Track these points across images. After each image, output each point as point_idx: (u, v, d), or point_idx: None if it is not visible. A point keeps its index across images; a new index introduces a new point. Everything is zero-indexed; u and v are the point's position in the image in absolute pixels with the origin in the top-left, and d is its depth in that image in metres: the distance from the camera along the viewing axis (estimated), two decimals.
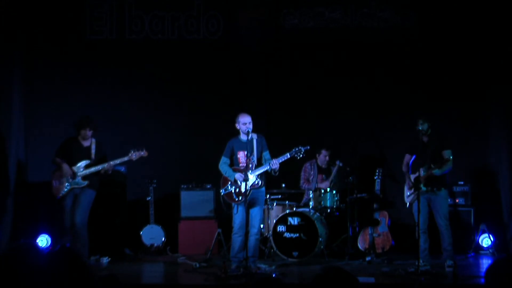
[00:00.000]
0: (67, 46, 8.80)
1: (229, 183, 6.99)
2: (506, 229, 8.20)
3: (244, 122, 6.87)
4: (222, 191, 7.09)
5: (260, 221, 7.09)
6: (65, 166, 7.29)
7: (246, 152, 6.87)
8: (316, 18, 8.88)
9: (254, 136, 6.89)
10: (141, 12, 8.95)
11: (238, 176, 6.88)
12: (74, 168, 7.31)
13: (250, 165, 6.85)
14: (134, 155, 7.35)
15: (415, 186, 7.04)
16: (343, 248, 7.96)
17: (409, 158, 7.34)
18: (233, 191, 6.96)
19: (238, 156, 7.01)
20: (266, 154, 7.01)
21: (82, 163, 7.34)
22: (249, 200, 6.76)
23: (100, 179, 7.45)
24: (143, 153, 7.41)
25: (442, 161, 7.04)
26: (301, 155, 6.89)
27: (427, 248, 7.08)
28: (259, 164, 6.96)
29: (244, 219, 6.80)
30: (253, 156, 6.88)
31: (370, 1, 8.83)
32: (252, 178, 6.86)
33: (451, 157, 6.96)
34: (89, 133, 7.39)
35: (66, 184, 7.29)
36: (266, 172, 6.94)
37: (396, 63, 8.73)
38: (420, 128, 7.05)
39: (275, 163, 6.77)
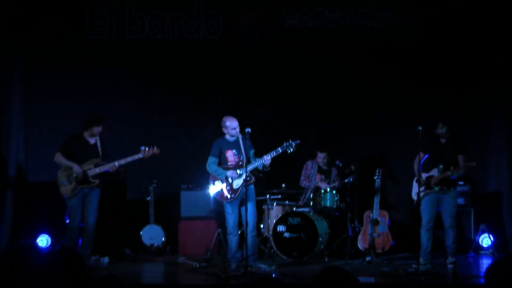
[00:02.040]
0: (67, 46, 8.79)
1: (219, 181, 7.01)
2: (506, 229, 8.21)
3: (233, 127, 6.95)
4: (211, 192, 7.11)
5: (255, 218, 7.07)
6: (76, 166, 7.18)
7: (234, 151, 6.97)
8: (316, 18, 8.88)
9: (240, 136, 6.94)
10: (141, 12, 8.95)
11: (231, 173, 6.91)
12: (85, 167, 7.22)
13: (241, 163, 6.88)
14: (146, 153, 7.26)
15: (427, 185, 7.07)
16: (343, 248, 7.96)
17: (422, 157, 7.33)
18: (225, 188, 6.96)
19: (227, 155, 7.04)
20: (251, 152, 7.06)
21: (93, 162, 7.30)
22: (242, 197, 6.77)
23: (103, 178, 7.43)
24: (156, 150, 7.31)
25: (460, 166, 7.04)
26: (292, 149, 6.93)
27: (430, 246, 7.10)
28: (248, 161, 6.97)
29: (237, 217, 6.84)
30: (242, 155, 6.92)
31: (370, 1, 8.83)
32: (243, 175, 6.87)
33: (474, 163, 6.98)
34: (101, 130, 7.33)
35: (76, 184, 7.19)
36: (256, 168, 6.96)
37: (396, 63, 8.73)
38: (440, 131, 7.09)
39: (268, 159, 6.81)
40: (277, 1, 8.96)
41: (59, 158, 7.27)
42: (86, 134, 7.33)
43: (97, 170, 7.21)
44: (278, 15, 8.92)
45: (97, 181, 7.24)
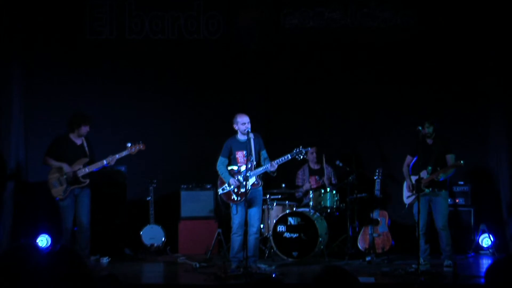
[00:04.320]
0: (67, 46, 8.79)
1: (227, 183, 7.02)
2: (506, 229, 8.20)
3: (243, 122, 6.90)
4: (219, 191, 7.11)
5: (259, 220, 7.13)
6: (66, 167, 7.23)
7: (244, 152, 6.90)
8: (316, 18, 8.88)
9: (252, 135, 6.90)
10: (141, 12, 8.95)
11: (232, 181, 6.93)
12: (74, 167, 7.26)
13: (250, 165, 6.87)
14: (133, 149, 7.31)
15: (417, 188, 7.05)
16: (343, 248, 7.95)
17: (410, 160, 7.35)
18: (232, 191, 6.98)
19: (237, 156, 7.03)
20: (264, 153, 7.06)
21: (82, 162, 7.32)
22: (248, 199, 6.77)
23: (101, 178, 7.45)
24: (142, 146, 7.36)
25: (448, 166, 7.03)
26: (302, 156, 6.90)
27: (429, 248, 7.12)
28: (258, 163, 6.97)
29: (243, 219, 6.82)
30: (252, 156, 6.90)
31: (370, 1, 8.83)
32: (252, 178, 6.88)
33: (462, 162, 6.97)
34: (88, 129, 7.35)
35: (67, 185, 7.24)
36: (264, 172, 6.96)
37: (396, 63, 8.73)
38: (426, 131, 7.07)
39: (274, 165, 6.80)
40: (277, 1, 8.95)
41: (48, 161, 7.35)
42: (72, 135, 7.37)
43: (87, 169, 7.28)
44: (278, 15, 8.91)
45: (87, 181, 7.30)
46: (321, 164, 8.37)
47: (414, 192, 7.14)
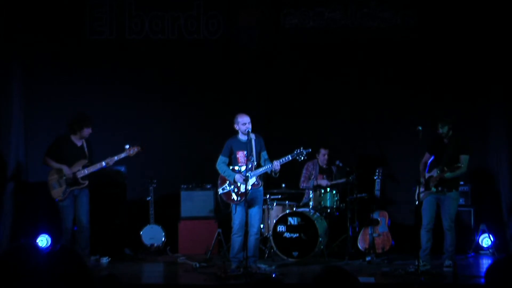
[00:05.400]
0: (67, 46, 8.80)
1: (227, 182, 7.00)
2: (506, 229, 8.20)
3: (244, 122, 6.89)
4: (219, 190, 7.10)
5: (260, 221, 7.12)
6: (66, 168, 7.24)
7: (245, 152, 6.88)
8: (316, 18, 8.88)
9: (253, 136, 6.89)
10: (141, 12, 8.95)
11: (238, 177, 6.89)
12: (74, 169, 7.29)
13: (250, 166, 6.86)
14: (131, 151, 7.33)
15: (426, 185, 7.06)
16: (343, 248, 7.95)
17: (428, 157, 7.28)
18: (232, 191, 6.97)
19: (237, 156, 7.02)
20: (264, 154, 7.04)
21: (81, 163, 7.33)
22: (248, 199, 6.77)
23: (100, 178, 7.47)
24: (139, 148, 7.37)
25: (454, 166, 6.99)
26: (302, 158, 6.90)
27: (429, 247, 7.08)
28: (258, 164, 6.97)
29: (244, 219, 6.81)
30: (252, 156, 6.89)
31: (370, 1, 8.83)
32: (252, 178, 6.87)
33: (462, 165, 6.93)
34: (91, 131, 7.37)
35: (66, 186, 7.25)
36: (265, 172, 6.96)
37: (397, 63, 8.73)
38: (441, 131, 7.05)
39: (277, 165, 6.79)
40: (277, 1, 8.95)
41: (47, 161, 7.36)
42: (74, 136, 7.38)
43: (86, 171, 7.30)
44: (278, 15, 8.91)
45: (87, 182, 7.34)
46: (329, 165, 8.41)
47: (424, 188, 7.12)
